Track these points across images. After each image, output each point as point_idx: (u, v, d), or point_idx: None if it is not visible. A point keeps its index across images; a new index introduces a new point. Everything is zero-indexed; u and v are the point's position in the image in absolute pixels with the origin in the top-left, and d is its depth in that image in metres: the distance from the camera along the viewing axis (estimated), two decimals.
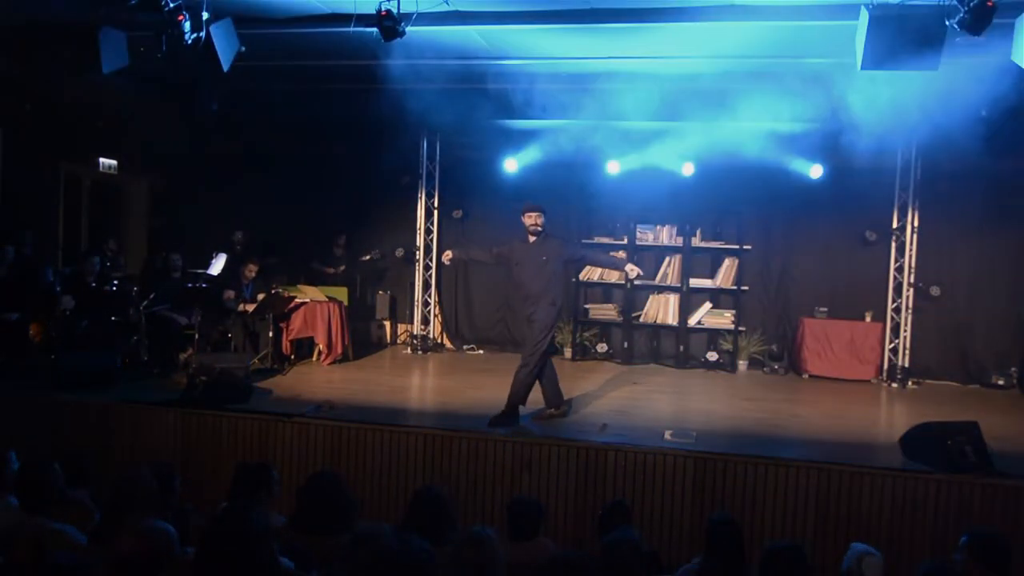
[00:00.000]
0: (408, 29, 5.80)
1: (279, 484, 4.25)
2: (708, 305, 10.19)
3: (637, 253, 10.16)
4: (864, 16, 5.23)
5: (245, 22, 6.22)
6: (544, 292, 6.65)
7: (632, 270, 7.08)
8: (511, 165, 10.17)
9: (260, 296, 8.86)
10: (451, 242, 11.03)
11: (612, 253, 9.73)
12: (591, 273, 10.25)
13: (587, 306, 10.50)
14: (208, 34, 5.79)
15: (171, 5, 5.60)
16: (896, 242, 9.62)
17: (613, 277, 10.28)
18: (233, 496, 4.08)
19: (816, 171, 9.38)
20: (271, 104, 9.26)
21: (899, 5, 5.17)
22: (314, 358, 9.35)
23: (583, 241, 9.88)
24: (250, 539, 2.64)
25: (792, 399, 8.50)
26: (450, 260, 7.16)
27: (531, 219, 6.70)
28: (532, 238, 6.74)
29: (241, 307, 8.95)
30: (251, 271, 9.27)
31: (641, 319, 10.30)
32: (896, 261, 9.61)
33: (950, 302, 9.59)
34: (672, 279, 10.18)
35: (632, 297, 10.34)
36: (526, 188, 10.25)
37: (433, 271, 10.93)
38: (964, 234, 9.53)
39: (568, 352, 10.40)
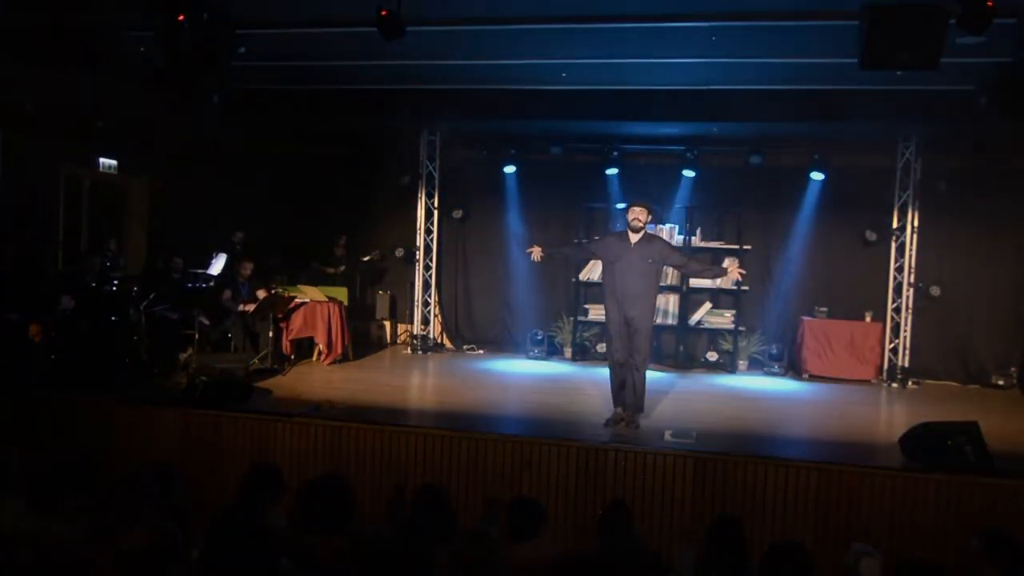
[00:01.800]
0: (408, 29, 5.80)
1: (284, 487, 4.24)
2: (708, 305, 10.18)
3: None
4: (864, 16, 5.23)
5: (246, 23, 6.22)
6: (648, 294, 6.64)
7: (732, 265, 6.83)
8: (511, 166, 10.15)
9: (259, 294, 8.85)
10: (451, 242, 11.08)
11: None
12: (591, 272, 10.20)
13: (587, 306, 10.48)
14: (208, 34, 5.79)
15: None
16: (896, 242, 9.61)
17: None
18: (242, 496, 4.07)
19: (816, 171, 9.37)
20: (271, 104, 9.26)
21: (899, 5, 5.17)
22: (314, 358, 9.34)
23: (583, 241, 9.85)
24: (251, 539, 2.65)
25: (792, 399, 8.50)
26: (540, 257, 7.02)
27: (634, 214, 6.57)
28: (634, 236, 6.61)
29: (241, 307, 8.96)
30: (247, 269, 9.28)
31: None
32: (896, 261, 9.61)
33: (950, 302, 9.59)
34: (672, 279, 10.16)
35: None
36: (526, 188, 10.27)
37: (433, 271, 10.92)
38: (964, 233, 9.53)
39: (568, 352, 10.39)
